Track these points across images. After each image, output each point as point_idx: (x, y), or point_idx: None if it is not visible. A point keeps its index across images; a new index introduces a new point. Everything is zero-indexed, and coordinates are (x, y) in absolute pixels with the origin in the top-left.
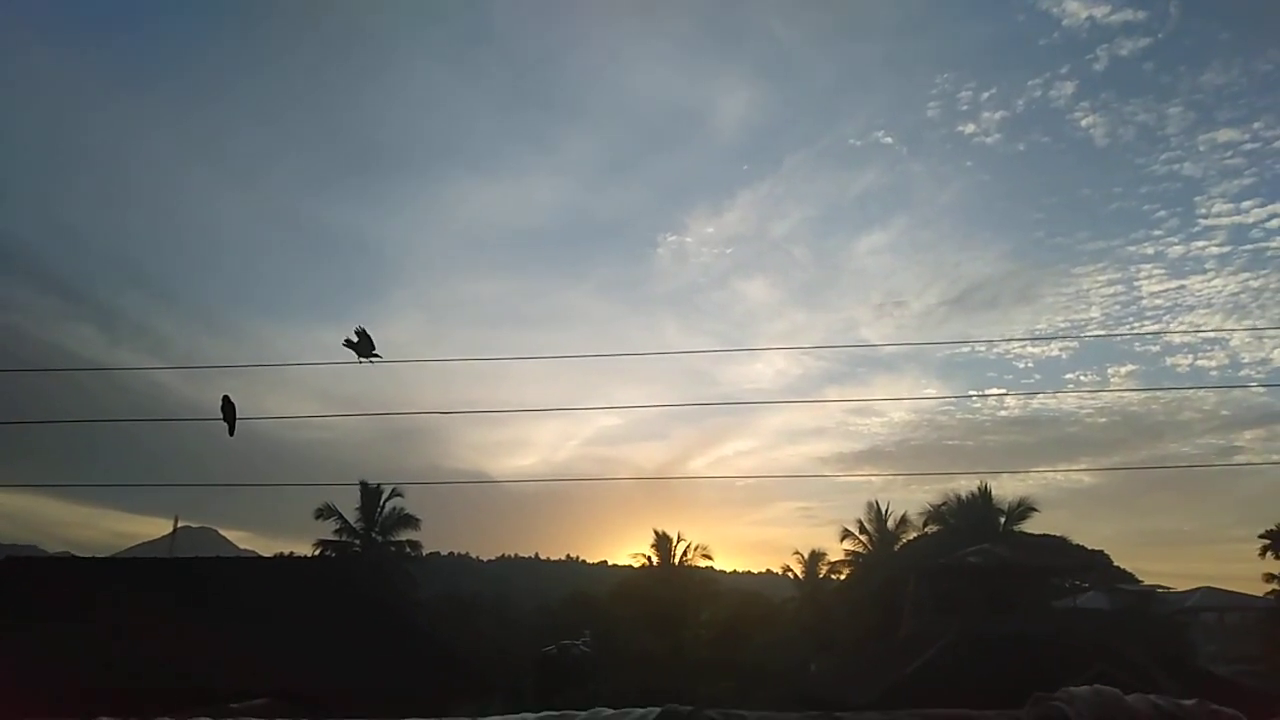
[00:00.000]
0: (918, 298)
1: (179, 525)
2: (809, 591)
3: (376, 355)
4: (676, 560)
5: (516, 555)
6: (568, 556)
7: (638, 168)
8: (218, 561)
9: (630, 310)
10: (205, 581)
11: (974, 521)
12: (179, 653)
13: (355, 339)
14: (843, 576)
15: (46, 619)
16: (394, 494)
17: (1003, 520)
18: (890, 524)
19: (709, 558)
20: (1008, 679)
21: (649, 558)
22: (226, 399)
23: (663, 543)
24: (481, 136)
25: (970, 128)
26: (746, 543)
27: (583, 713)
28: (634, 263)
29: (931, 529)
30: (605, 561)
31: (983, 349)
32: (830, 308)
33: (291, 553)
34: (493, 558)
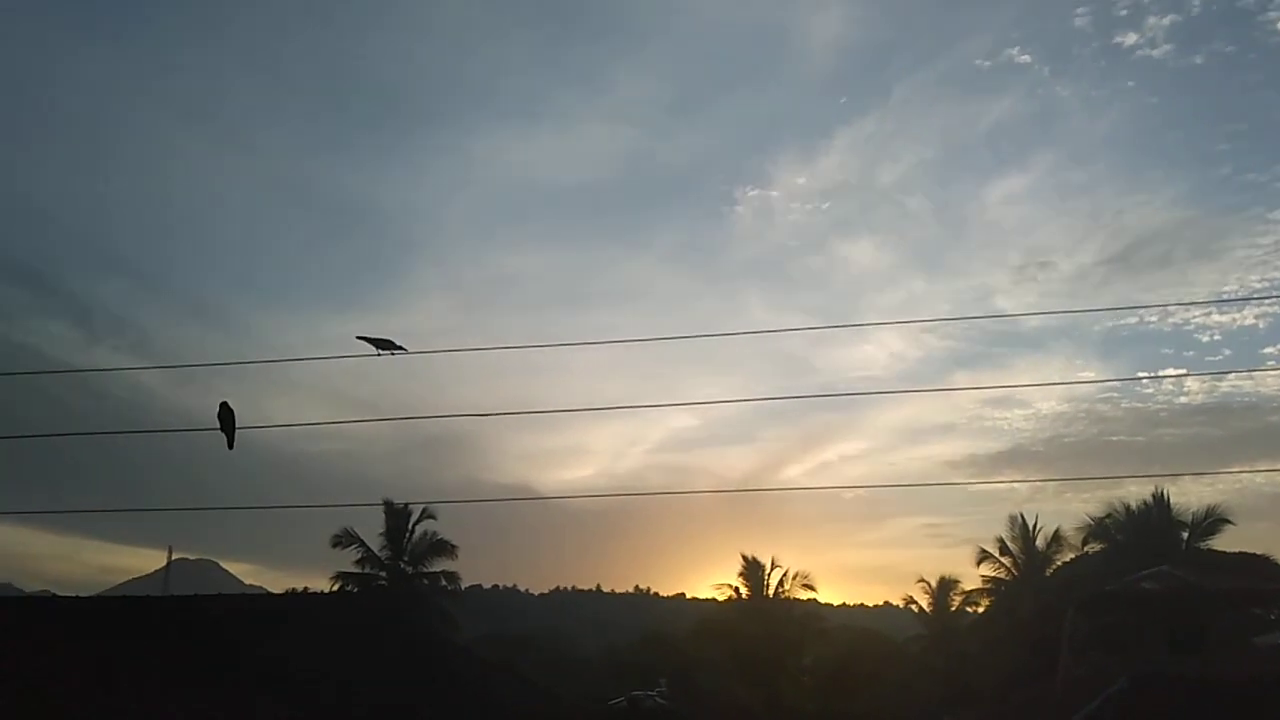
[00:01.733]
0: (1068, 257)
1: (174, 557)
2: (938, 628)
3: (399, 348)
4: (770, 592)
5: (574, 588)
6: (636, 588)
7: (710, 107)
8: (219, 600)
9: (705, 283)
10: (203, 624)
11: (1148, 537)
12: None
13: (373, 339)
14: (981, 609)
15: (21, 672)
16: (425, 515)
17: (1185, 536)
18: (1040, 542)
19: (811, 588)
20: None
21: (736, 589)
22: (224, 406)
23: (753, 570)
24: (519, 76)
25: (1131, 38)
26: (858, 569)
27: None
28: (708, 224)
29: (1093, 548)
30: (683, 594)
31: (1154, 319)
32: (957, 272)
33: (305, 588)
34: (546, 590)
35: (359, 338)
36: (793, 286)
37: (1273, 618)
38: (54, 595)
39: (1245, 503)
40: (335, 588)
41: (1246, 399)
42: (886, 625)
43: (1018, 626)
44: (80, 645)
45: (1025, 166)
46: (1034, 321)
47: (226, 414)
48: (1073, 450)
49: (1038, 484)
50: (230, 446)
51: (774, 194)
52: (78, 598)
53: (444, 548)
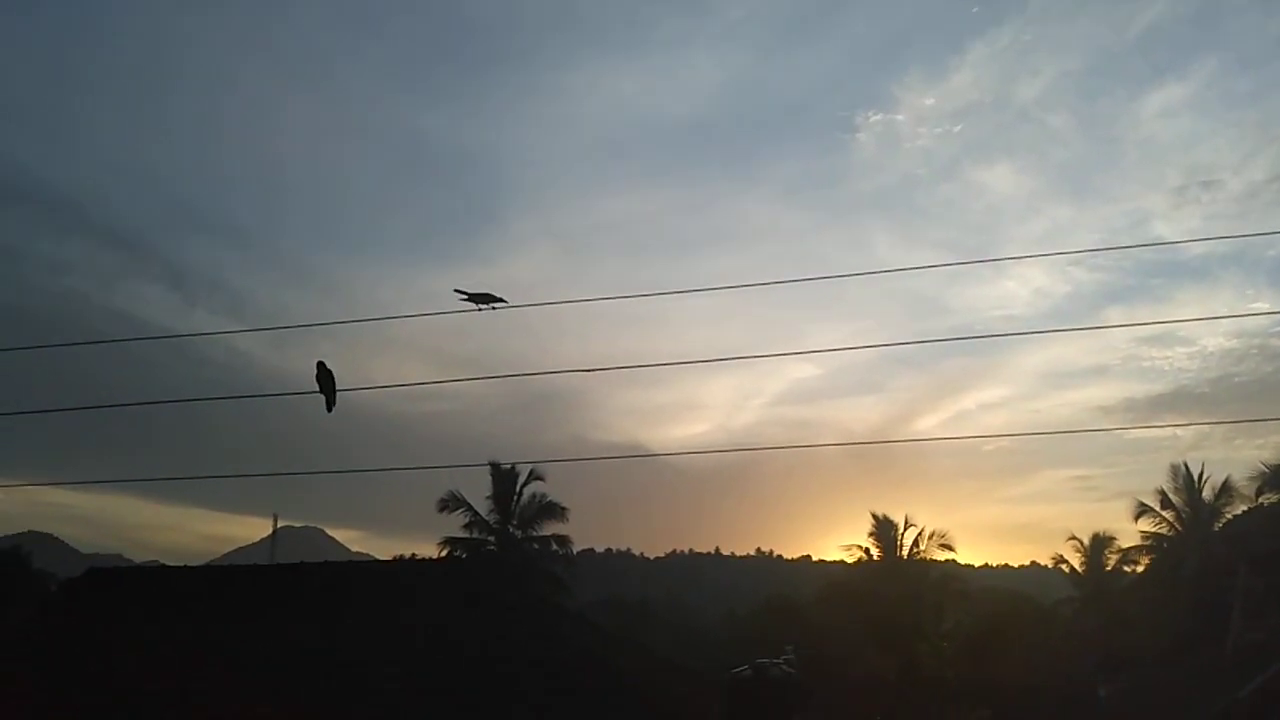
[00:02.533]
0: (1236, 174)
1: (279, 525)
2: (1092, 589)
3: (500, 301)
4: (904, 553)
5: (692, 551)
6: (758, 551)
7: (826, 24)
8: (325, 567)
9: (826, 219)
10: (311, 592)
11: None
12: (284, 683)
13: (471, 294)
14: (1140, 568)
15: (132, 640)
16: (533, 477)
17: None
18: (1207, 493)
19: (949, 548)
20: None
21: (867, 550)
22: (322, 366)
23: (885, 530)
24: (618, 2)
25: None
26: (1001, 527)
27: None
28: (827, 155)
29: (1269, 499)
30: (808, 556)
31: None
32: (1108, 197)
33: (413, 554)
34: (662, 554)
35: (456, 291)
36: (922, 220)
37: None
38: (162, 564)
39: None
40: (443, 553)
41: None
42: (1034, 587)
43: (1182, 587)
44: (189, 613)
45: (1184, 75)
46: (1198, 248)
47: (325, 375)
48: (1244, 391)
49: (1204, 429)
50: (330, 409)
51: (899, 118)
52: (185, 566)
53: (554, 510)
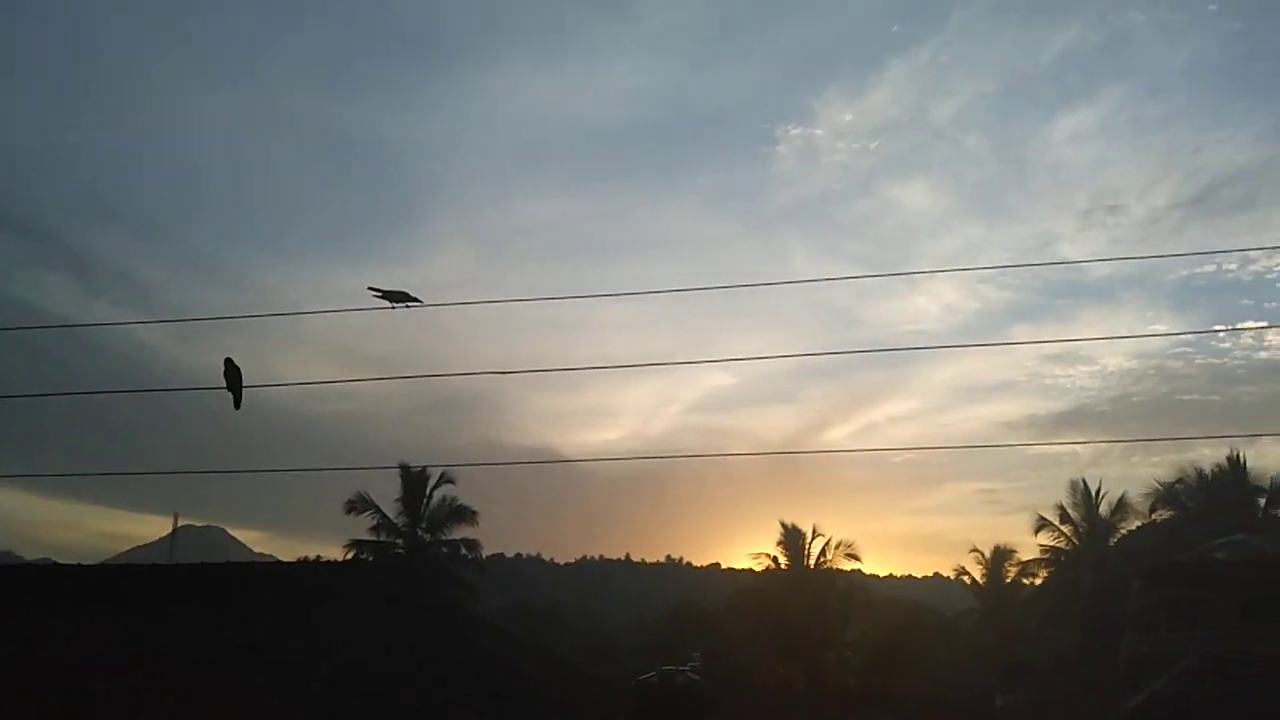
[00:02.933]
0: (1140, 199)
1: (180, 524)
2: (992, 602)
3: (414, 300)
4: (812, 562)
5: (602, 557)
6: (668, 558)
7: (750, 37)
8: (228, 568)
9: (743, 230)
10: (212, 594)
11: (1222, 504)
12: (182, 680)
13: (385, 291)
14: (1038, 581)
15: (22, 638)
16: (444, 480)
17: (1263, 502)
18: (1104, 509)
19: (855, 558)
20: (1269, 713)
21: (775, 559)
22: (230, 363)
23: (793, 539)
24: (543, 4)
25: None
26: (906, 539)
27: None
28: (747, 166)
29: (1161, 515)
30: (717, 564)
31: (1233, 267)
32: (1018, 217)
33: (318, 557)
34: (572, 560)
35: (370, 289)
36: (838, 233)
37: None
38: (55, 563)
39: None
40: (349, 556)
41: None
42: (936, 598)
43: (1078, 600)
44: (84, 613)
45: (1094, 100)
46: (1102, 270)
47: (232, 371)
48: (1141, 410)
49: (1103, 446)
50: (237, 406)
51: (819, 132)
52: (79, 565)
53: (464, 514)
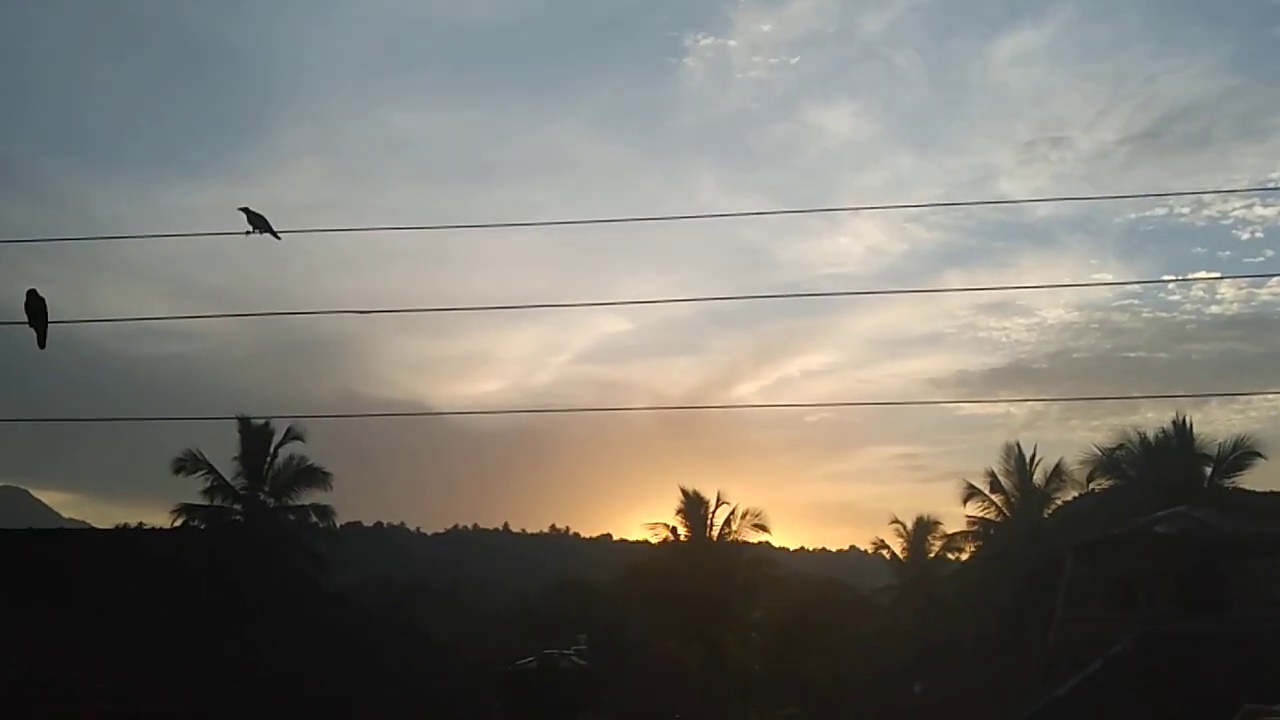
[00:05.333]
0: (1087, 132)
1: None
2: (914, 578)
3: (273, 233)
4: (715, 533)
5: (476, 526)
6: (553, 528)
7: None
8: (30, 536)
9: (644, 154)
10: (10, 565)
11: (1165, 473)
12: None
13: (255, 214)
14: (965, 555)
15: None
16: (291, 436)
17: (1209, 471)
18: (1038, 477)
19: (763, 529)
20: (1208, 697)
21: (673, 529)
22: (34, 294)
23: (694, 508)
24: None
25: None
26: (820, 508)
27: None
28: (649, 80)
29: (1100, 484)
30: (609, 535)
31: (1186, 210)
32: (953, 148)
33: (140, 524)
34: (442, 530)
35: (241, 210)
36: (752, 161)
37: None
38: None
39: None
40: (177, 523)
41: None
42: (852, 574)
43: (1007, 576)
44: None
45: (1040, 19)
46: (1043, 210)
47: (37, 305)
48: (1082, 368)
49: (1039, 407)
50: (42, 345)
51: (731, 44)
52: None
53: (315, 475)
